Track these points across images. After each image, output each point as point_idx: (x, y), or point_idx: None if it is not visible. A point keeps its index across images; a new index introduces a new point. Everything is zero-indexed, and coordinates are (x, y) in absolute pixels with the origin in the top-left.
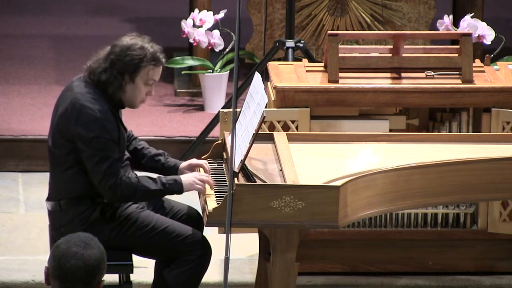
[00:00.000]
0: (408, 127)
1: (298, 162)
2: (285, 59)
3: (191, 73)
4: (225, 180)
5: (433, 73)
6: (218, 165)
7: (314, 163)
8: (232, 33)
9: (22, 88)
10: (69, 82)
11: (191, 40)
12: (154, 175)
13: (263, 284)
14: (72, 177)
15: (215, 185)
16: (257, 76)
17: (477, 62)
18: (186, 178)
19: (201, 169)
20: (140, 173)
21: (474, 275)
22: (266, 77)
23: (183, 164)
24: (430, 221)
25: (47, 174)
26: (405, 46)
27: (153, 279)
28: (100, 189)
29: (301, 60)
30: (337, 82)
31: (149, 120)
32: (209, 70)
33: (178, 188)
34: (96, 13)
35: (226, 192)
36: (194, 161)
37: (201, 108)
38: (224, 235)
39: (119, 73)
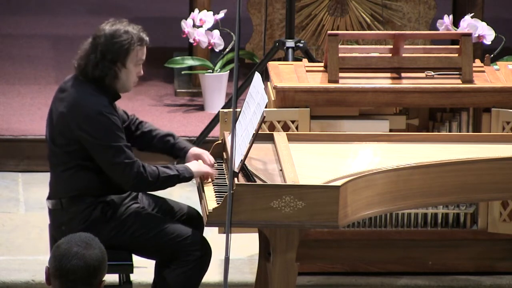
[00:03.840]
0: (408, 127)
1: (298, 162)
2: (285, 59)
3: (191, 73)
4: (225, 180)
5: (433, 73)
6: (218, 165)
7: (314, 163)
8: (232, 33)
9: (22, 88)
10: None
11: (191, 40)
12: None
13: (263, 284)
14: (73, 175)
15: (215, 185)
16: (257, 76)
17: (477, 62)
18: (192, 165)
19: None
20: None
21: (474, 275)
22: (266, 77)
23: (193, 151)
24: (430, 221)
25: (47, 174)
26: (405, 46)
27: (153, 279)
28: (124, 180)
29: (301, 60)
30: (337, 82)
31: (149, 120)
32: (209, 70)
33: (189, 175)
34: (96, 13)
35: (226, 192)
36: (205, 154)
37: (201, 108)
38: (224, 235)
39: (111, 62)
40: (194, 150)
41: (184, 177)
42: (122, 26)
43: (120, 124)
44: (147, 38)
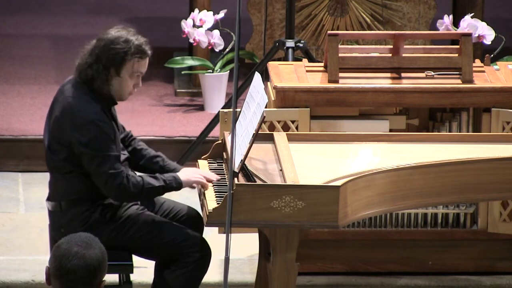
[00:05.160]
0: (408, 127)
1: (298, 162)
2: (285, 59)
3: (191, 73)
4: (225, 180)
5: (433, 73)
6: (218, 165)
7: (314, 163)
8: (232, 33)
9: (22, 88)
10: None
11: (191, 40)
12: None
13: (263, 284)
14: (72, 179)
15: (215, 185)
16: (257, 76)
17: (477, 62)
18: (183, 174)
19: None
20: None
21: (474, 275)
22: (266, 77)
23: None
24: (430, 221)
25: (47, 174)
26: (405, 46)
27: (153, 279)
28: (106, 189)
29: (301, 60)
30: (337, 82)
31: (149, 120)
32: (209, 70)
33: (177, 185)
34: (96, 13)
35: (226, 192)
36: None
37: (201, 108)
38: (224, 235)
39: (104, 67)
40: (184, 171)
41: (172, 187)
42: (126, 34)
43: (112, 132)
44: (149, 52)
